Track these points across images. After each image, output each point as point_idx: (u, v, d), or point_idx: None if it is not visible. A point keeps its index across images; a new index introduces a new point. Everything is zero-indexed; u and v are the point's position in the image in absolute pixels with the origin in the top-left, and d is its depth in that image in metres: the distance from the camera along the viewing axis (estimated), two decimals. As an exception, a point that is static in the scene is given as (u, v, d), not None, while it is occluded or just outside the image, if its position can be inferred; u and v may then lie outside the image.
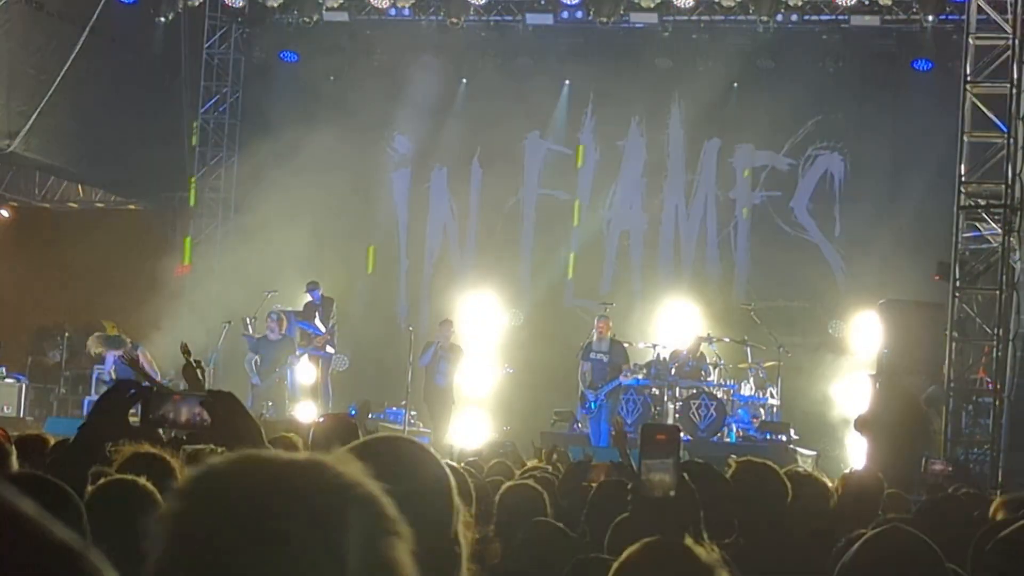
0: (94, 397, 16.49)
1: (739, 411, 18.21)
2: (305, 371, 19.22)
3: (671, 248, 20.72)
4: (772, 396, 18.55)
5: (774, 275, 20.14)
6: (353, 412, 16.35)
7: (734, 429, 18.11)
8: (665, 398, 18.30)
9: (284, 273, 20.50)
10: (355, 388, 20.29)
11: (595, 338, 17.81)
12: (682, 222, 20.71)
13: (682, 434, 15.94)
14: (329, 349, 19.55)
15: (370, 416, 17.64)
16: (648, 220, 20.82)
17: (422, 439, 14.32)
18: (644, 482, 3.83)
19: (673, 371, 18.41)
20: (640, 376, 18.48)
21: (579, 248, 21.03)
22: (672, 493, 3.81)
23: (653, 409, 18.11)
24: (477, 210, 21.40)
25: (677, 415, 18.02)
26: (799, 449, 17.56)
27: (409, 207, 21.62)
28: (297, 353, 18.80)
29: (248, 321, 18.94)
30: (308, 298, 19.58)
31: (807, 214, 20.22)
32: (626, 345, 18.56)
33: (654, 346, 19.11)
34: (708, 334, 18.98)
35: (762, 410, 18.42)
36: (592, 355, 17.80)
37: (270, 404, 17.82)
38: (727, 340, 19.10)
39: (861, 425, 14.17)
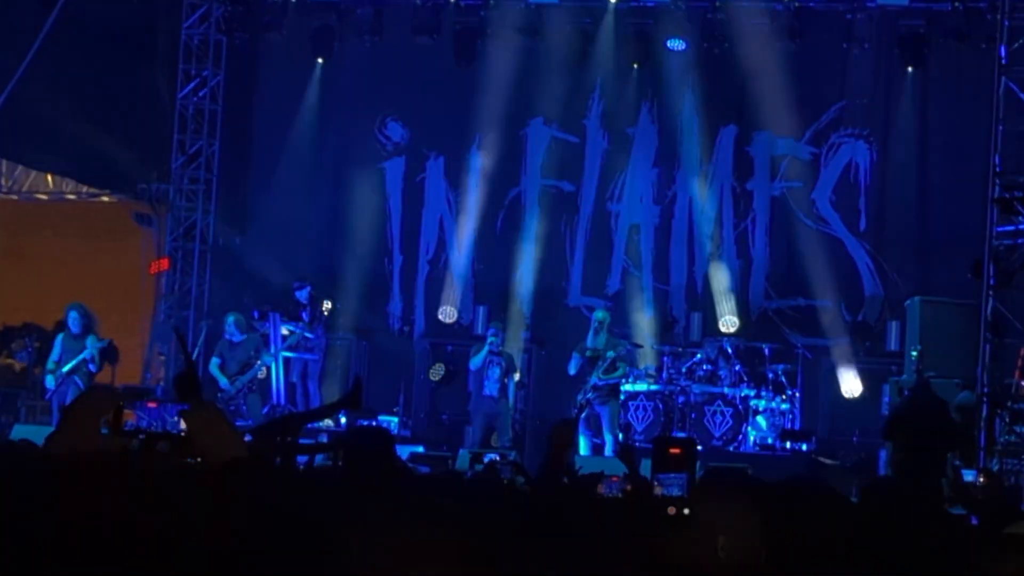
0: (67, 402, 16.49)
1: (757, 418, 18.16)
2: (289, 374, 19.30)
3: (684, 243, 20.59)
4: (793, 402, 18.54)
5: (794, 272, 20.00)
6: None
7: (752, 437, 18.08)
8: (678, 404, 18.28)
9: (269, 269, 20.54)
10: (344, 393, 20.38)
11: (591, 334, 17.84)
12: (696, 215, 20.47)
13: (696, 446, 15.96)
14: (316, 352, 19.54)
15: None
16: (660, 213, 20.63)
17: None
18: (655, 498, 3.96)
19: (685, 375, 18.42)
20: (650, 381, 18.54)
21: (585, 243, 20.98)
22: (686, 512, 3.77)
23: (665, 417, 18.11)
24: (476, 202, 21.10)
25: (691, 422, 18.08)
26: (822, 459, 17.57)
27: (403, 199, 21.52)
28: (272, 352, 18.70)
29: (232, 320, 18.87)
30: (295, 296, 19.56)
31: (830, 206, 19.97)
32: (638, 348, 18.69)
33: (665, 348, 19.21)
34: (723, 335, 19.02)
35: (782, 417, 18.38)
36: (588, 352, 17.77)
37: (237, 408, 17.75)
38: (744, 342, 19.06)
39: (887, 431, 14.17)
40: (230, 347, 18.27)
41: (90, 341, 17.27)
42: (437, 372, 20.04)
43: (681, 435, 16.68)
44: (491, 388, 17.93)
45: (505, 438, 17.88)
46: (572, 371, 17.97)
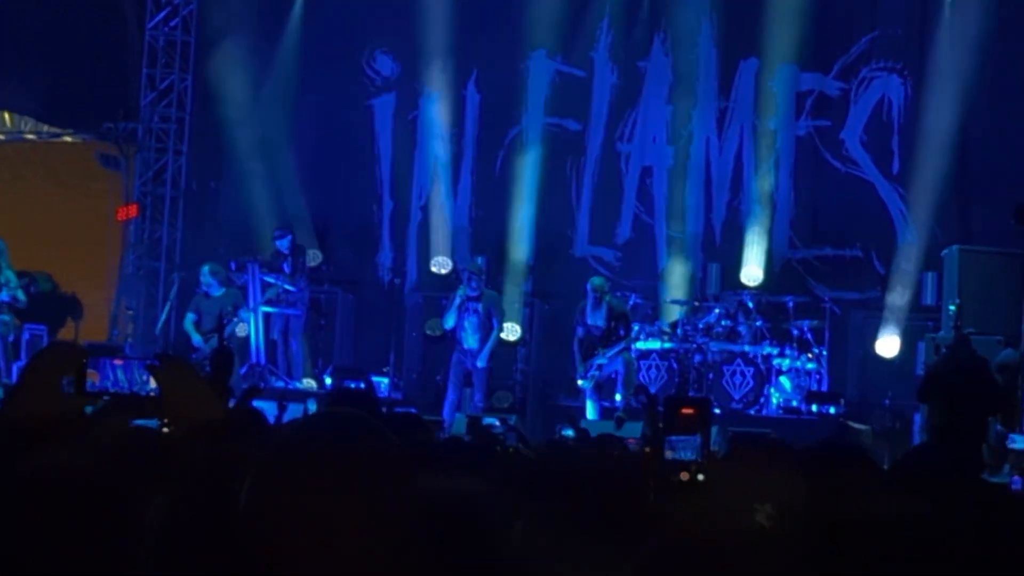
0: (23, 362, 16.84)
1: (781, 379, 18.20)
2: (270, 330, 19.18)
3: (700, 187, 20.51)
4: (819, 361, 18.54)
5: (821, 219, 20.04)
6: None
7: (775, 400, 18.11)
8: (694, 364, 18.29)
9: (247, 217, 20.55)
10: (329, 352, 20.33)
11: (591, 304, 17.78)
12: (714, 157, 20.45)
13: (714, 408, 16.05)
14: (298, 306, 19.47)
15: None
16: (674, 154, 20.56)
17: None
18: (667, 464, 3.92)
19: (702, 332, 18.41)
20: (664, 338, 18.53)
21: (592, 187, 20.96)
22: (701, 477, 3.89)
23: (680, 377, 18.12)
24: (473, 142, 21.19)
25: (708, 383, 18.08)
26: (851, 423, 17.60)
27: (393, 140, 21.40)
28: (251, 306, 18.71)
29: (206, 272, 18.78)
30: (276, 246, 19.47)
31: (861, 147, 19.92)
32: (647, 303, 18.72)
33: (680, 303, 19.19)
34: (744, 288, 18.99)
35: (808, 377, 18.39)
36: (591, 319, 17.81)
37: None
38: (766, 295, 19.08)
39: (922, 392, 14.21)
40: (206, 301, 18.29)
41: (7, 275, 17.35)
42: (436, 327, 20.01)
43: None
44: (471, 341, 17.88)
45: (478, 398, 17.86)
46: (577, 350, 17.86)
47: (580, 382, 17.86)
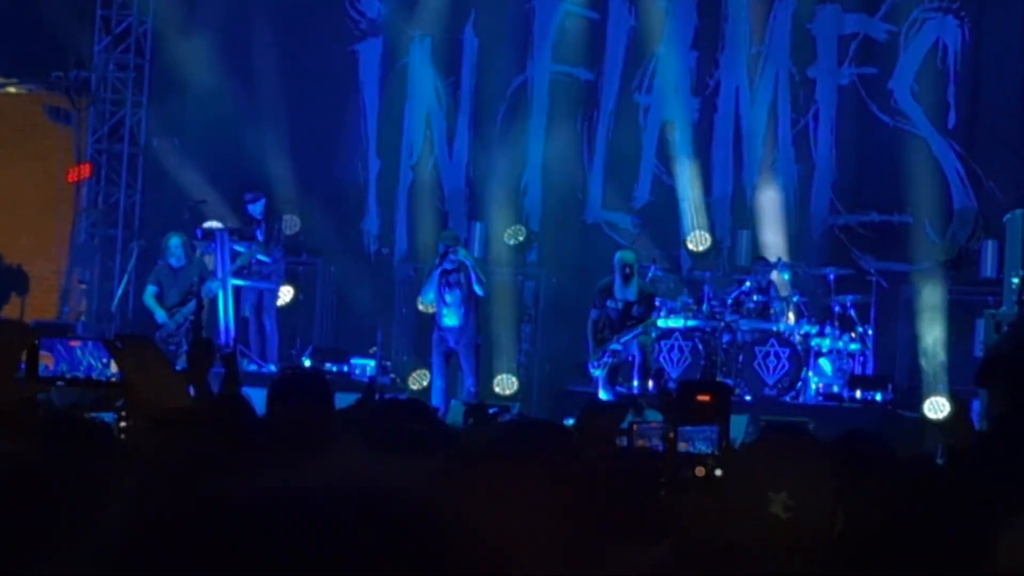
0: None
1: (820, 361, 18.18)
2: (240, 306, 19.29)
3: (729, 144, 20.50)
4: (864, 341, 18.55)
5: (867, 179, 19.99)
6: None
7: (814, 385, 18.11)
8: (722, 344, 18.30)
9: (217, 177, 20.56)
10: (308, 331, 20.35)
11: (618, 283, 17.85)
12: (744, 109, 20.43)
13: (745, 395, 16.03)
14: (273, 279, 19.51)
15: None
16: (699, 106, 20.58)
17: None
18: (680, 457, 3.96)
19: (732, 308, 18.43)
20: (688, 315, 18.47)
21: (607, 144, 20.91)
22: (719, 472, 3.90)
23: (707, 359, 18.10)
24: (471, 93, 21.17)
25: (738, 367, 18.09)
26: (900, 411, 17.64)
27: (380, 90, 21.41)
28: (219, 277, 18.73)
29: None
30: (248, 211, 19.58)
31: (911, 98, 19.88)
32: (671, 275, 18.77)
33: (707, 275, 19.14)
34: (779, 259, 18.90)
35: (851, 360, 18.41)
36: (609, 303, 17.87)
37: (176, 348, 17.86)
38: (804, 267, 19.12)
39: (982, 376, 14.16)
40: (171, 273, 18.38)
41: None
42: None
43: (728, 381, 16.96)
44: (452, 317, 18.01)
45: (469, 382, 17.94)
46: (591, 334, 17.93)
47: (593, 371, 17.96)
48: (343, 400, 7.87)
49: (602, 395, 17.43)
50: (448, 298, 17.96)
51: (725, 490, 3.76)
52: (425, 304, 18.82)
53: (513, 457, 2.63)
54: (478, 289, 17.99)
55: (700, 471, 4.41)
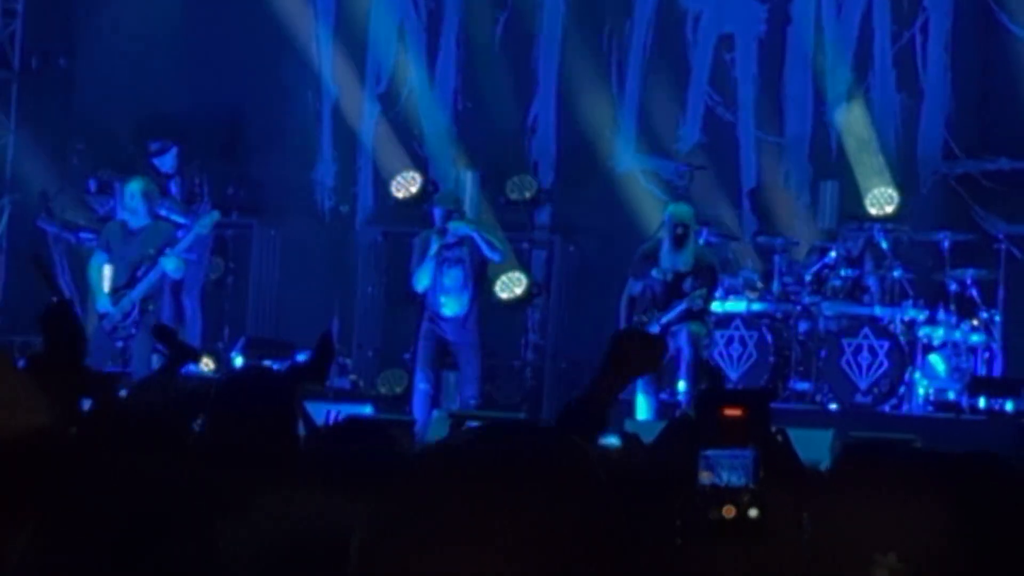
0: None
1: (931, 358, 18.22)
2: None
3: (806, 66, 20.56)
4: (990, 331, 18.57)
5: (993, 115, 20.10)
6: None
7: (922, 390, 18.13)
8: (798, 335, 18.41)
9: (114, 112, 21.02)
10: (239, 316, 20.18)
11: (667, 247, 17.79)
12: (829, 19, 20.49)
13: (829, 403, 15.96)
14: (193, 249, 19.35)
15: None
16: (767, 15, 20.64)
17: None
18: (700, 491, 3.98)
19: (811, 287, 18.50)
20: (752, 297, 18.63)
21: (643, 65, 20.92)
22: (753, 513, 3.89)
23: (777, 356, 18.26)
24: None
25: (819, 365, 18.20)
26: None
27: (337, -3, 20.76)
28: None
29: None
30: (153, 164, 19.92)
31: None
32: (732, 241, 18.93)
33: (777, 243, 19.27)
34: (873, 219, 19.03)
35: (972, 356, 18.40)
36: (654, 273, 17.77)
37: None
38: (908, 231, 19.19)
39: None
40: (124, 236, 18.37)
41: None
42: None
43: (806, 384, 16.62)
44: (453, 305, 18.15)
45: (469, 390, 18.20)
46: (625, 312, 18.04)
47: None
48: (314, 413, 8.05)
49: (639, 402, 17.43)
50: (447, 280, 18.10)
51: (788, 542, 3.63)
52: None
53: (479, 487, 2.57)
54: (494, 255, 18.20)
55: (729, 511, 4.26)
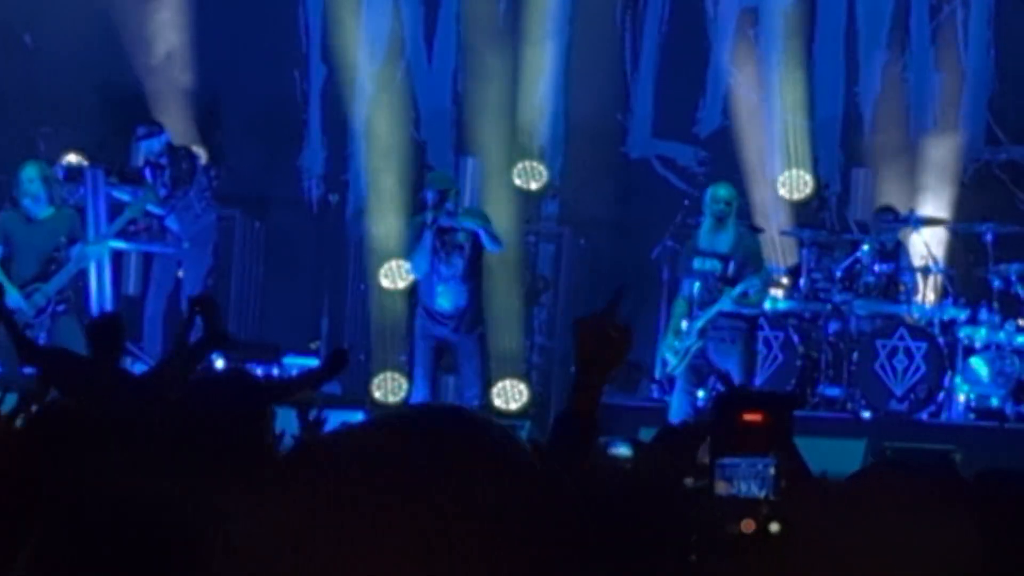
0: None
1: (972, 361, 18.19)
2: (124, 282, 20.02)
3: (839, 42, 20.56)
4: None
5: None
6: None
7: (962, 396, 18.23)
8: (828, 336, 18.64)
9: (81, 90, 20.83)
10: (223, 317, 19.85)
11: (706, 228, 17.75)
12: (861, -9, 19.97)
13: (862, 410, 15.61)
14: (171, 244, 19.86)
15: None
16: (792, -13, 20.25)
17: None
18: (717, 503, 4.30)
19: (842, 284, 18.65)
20: (779, 294, 18.90)
21: (658, 42, 20.89)
22: (775, 528, 4.10)
23: (805, 359, 18.45)
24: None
25: (851, 369, 18.38)
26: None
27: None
28: (91, 239, 18.62)
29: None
30: (142, 150, 19.92)
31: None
32: (758, 232, 19.14)
33: (806, 235, 19.46)
34: (911, 211, 19.14)
35: (1018, 359, 18.23)
36: (699, 263, 17.68)
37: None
38: (949, 222, 19.53)
39: None
40: (24, 227, 18.31)
41: None
42: (398, 275, 20.05)
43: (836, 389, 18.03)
44: (448, 296, 18.02)
45: (472, 391, 18.20)
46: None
47: (667, 368, 17.81)
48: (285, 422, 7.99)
49: (675, 402, 17.53)
50: (444, 269, 18.08)
51: (811, 559, 3.53)
52: (396, 277, 19.46)
53: (380, 476, 2.64)
54: (493, 247, 18.09)
55: (748, 525, 4.49)
